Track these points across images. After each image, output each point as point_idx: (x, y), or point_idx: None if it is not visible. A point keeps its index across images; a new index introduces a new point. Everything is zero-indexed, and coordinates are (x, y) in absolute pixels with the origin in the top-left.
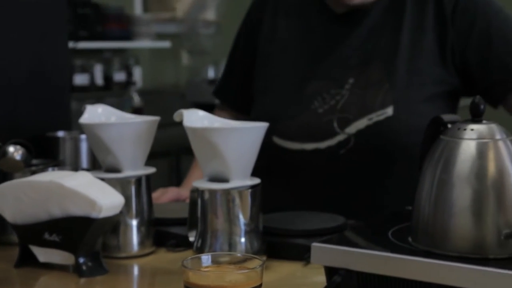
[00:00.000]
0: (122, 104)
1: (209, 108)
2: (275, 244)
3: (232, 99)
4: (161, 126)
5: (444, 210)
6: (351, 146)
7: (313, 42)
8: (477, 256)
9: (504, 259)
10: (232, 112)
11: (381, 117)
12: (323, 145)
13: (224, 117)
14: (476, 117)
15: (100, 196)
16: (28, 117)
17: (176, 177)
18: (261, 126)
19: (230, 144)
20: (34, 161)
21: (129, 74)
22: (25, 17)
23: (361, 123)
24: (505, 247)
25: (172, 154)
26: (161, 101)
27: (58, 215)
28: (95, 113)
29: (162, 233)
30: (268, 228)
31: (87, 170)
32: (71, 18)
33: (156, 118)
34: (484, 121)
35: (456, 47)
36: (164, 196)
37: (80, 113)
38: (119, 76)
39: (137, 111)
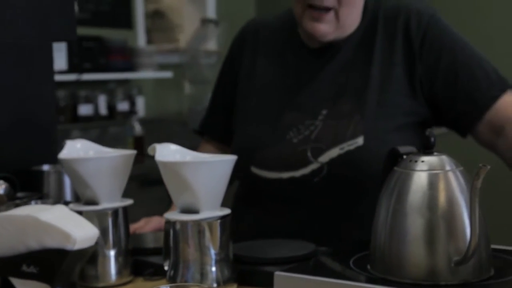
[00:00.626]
0: (124, 133)
1: None
2: (246, 272)
3: (216, 132)
4: None
5: (398, 239)
6: (324, 174)
7: (289, 76)
8: (429, 283)
9: (455, 285)
10: (216, 144)
11: (352, 147)
12: (298, 173)
13: (209, 149)
14: (428, 149)
15: (75, 229)
16: (14, 152)
17: None
18: (229, 160)
19: (200, 177)
20: (19, 194)
21: (132, 103)
22: (15, 59)
23: (333, 152)
24: (456, 274)
25: None
26: (163, 129)
27: (35, 248)
28: (74, 148)
29: (140, 262)
30: (239, 256)
31: (70, 202)
32: (76, 51)
33: (132, 152)
34: (435, 153)
35: (424, 80)
36: (147, 225)
37: None
38: (123, 106)
39: (138, 139)
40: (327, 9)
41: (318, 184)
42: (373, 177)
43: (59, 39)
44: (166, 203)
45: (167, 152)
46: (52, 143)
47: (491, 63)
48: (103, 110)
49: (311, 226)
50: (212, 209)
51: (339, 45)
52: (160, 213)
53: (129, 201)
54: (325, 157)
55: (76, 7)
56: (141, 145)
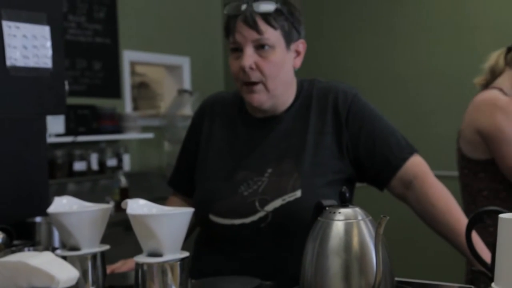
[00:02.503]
0: (112, 185)
1: None
2: None
3: (181, 187)
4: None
5: (321, 275)
6: (269, 221)
7: (240, 142)
8: None
9: None
10: (181, 197)
11: (292, 198)
12: (248, 220)
13: (176, 201)
14: (343, 203)
15: (59, 272)
16: (12, 207)
17: None
18: (187, 212)
19: (163, 227)
20: (16, 242)
21: (120, 160)
22: (14, 130)
23: (277, 203)
24: None
25: None
26: (146, 182)
27: None
28: (61, 203)
29: None
30: None
31: (57, 248)
32: (72, 117)
33: (109, 206)
34: (349, 206)
35: (350, 145)
36: (123, 266)
37: (78, 193)
38: (111, 162)
39: (123, 190)
40: (256, 83)
41: (265, 229)
42: (308, 224)
43: (51, 113)
44: None
45: (136, 206)
46: (44, 199)
47: (400, 132)
48: (94, 166)
49: (258, 264)
50: (173, 252)
51: (280, 117)
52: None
53: (106, 247)
54: (270, 207)
55: (66, 86)
56: (126, 195)
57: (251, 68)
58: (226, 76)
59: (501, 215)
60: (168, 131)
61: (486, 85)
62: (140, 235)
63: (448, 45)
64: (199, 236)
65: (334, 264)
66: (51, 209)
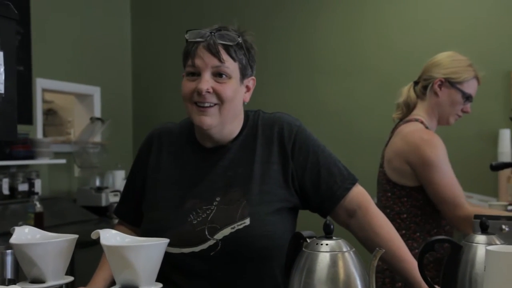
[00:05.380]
0: (26, 209)
1: (95, 209)
2: None
3: (127, 217)
4: (56, 226)
5: None
6: (219, 249)
7: (188, 171)
8: None
9: None
10: (128, 226)
11: (241, 226)
12: (197, 248)
13: (123, 230)
14: (328, 235)
15: None
16: None
17: None
18: (163, 242)
19: (140, 258)
20: None
21: (31, 184)
22: None
23: (226, 231)
24: None
25: None
26: (57, 206)
27: None
28: (23, 233)
29: None
30: None
31: (13, 280)
32: None
33: (75, 236)
34: (334, 238)
35: (295, 175)
36: None
37: None
38: (23, 187)
39: (38, 214)
40: (210, 106)
41: (214, 257)
42: (257, 250)
43: (2, 139)
44: None
45: (109, 235)
46: None
47: (341, 162)
48: (5, 190)
49: None
50: (148, 284)
51: (227, 146)
52: None
53: (70, 278)
54: (219, 235)
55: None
56: (41, 220)
57: (208, 92)
58: (134, 105)
59: (488, 247)
60: (79, 157)
61: (403, 118)
62: (115, 266)
63: (361, 82)
64: None
65: None
66: (14, 240)
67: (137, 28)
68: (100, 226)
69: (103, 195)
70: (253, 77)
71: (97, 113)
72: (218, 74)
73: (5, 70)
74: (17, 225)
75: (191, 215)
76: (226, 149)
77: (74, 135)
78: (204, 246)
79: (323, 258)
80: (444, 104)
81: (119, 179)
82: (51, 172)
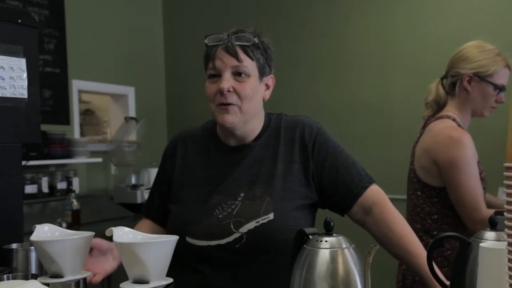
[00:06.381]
0: (63, 207)
1: (131, 206)
2: None
3: (154, 216)
4: (93, 223)
5: None
6: (244, 241)
7: (214, 169)
8: None
9: None
10: (152, 223)
11: (266, 220)
12: (223, 241)
13: (148, 224)
14: (328, 231)
15: None
16: None
17: None
18: (172, 239)
19: (150, 254)
20: None
21: (70, 183)
22: None
23: (251, 225)
24: None
25: None
26: (94, 204)
27: None
28: (43, 231)
29: None
30: None
31: (36, 275)
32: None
33: (91, 234)
34: (334, 234)
35: (315, 174)
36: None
37: (29, 215)
38: (61, 185)
39: (75, 212)
40: (232, 104)
41: (239, 249)
42: (280, 243)
43: (26, 141)
44: None
45: (122, 233)
46: (20, 226)
47: (359, 163)
48: (45, 189)
49: (233, 282)
50: (159, 279)
51: (251, 145)
52: None
53: (87, 273)
54: (244, 228)
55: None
56: (78, 217)
57: (229, 91)
58: (168, 104)
59: (481, 244)
60: (115, 155)
61: (434, 115)
62: (127, 262)
63: (378, 79)
64: (176, 257)
65: None
66: (34, 237)
67: (169, 28)
68: (136, 223)
69: (139, 192)
70: (271, 76)
71: (132, 112)
72: (237, 74)
73: (28, 76)
74: (56, 223)
75: (216, 210)
76: (250, 148)
77: (110, 134)
78: (230, 239)
79: (323, 255)
80: (476, 99)
81: (153, 176)
82: (88, 171)
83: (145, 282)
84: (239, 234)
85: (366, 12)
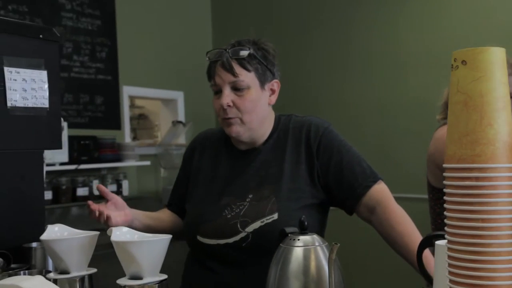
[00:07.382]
0: None
1: None
2: None
3: (175, 208)
4: None
5: None
6: (250, 240)
7: (224, 171)
8: None
9: None
10: (173, 215)
11: (270, 220)
12: (231, 240)
13: (168, 213)
14: (303, 230)
15: None
16: (10, 233)
17: None
18: (165, 238)
19: (143, 252)
20: (13, 265)
21: (119, 185)
22: (14, 163)
23: (256, 224)
24: None
25: None
26: (143, 205)
27: None
28: (53, 231)
29: None
30: None
31: (49, 271)
32: (76, 147)
33: (96, 233)
34: (308, 233)
35: (320, 174)
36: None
37: (80, 216)
38: (111, 188)
39: None
40: (233, 118)
41: (246, 248)
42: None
43: (48, 148)
44: None
45: (120, 233)
46: (41, 226)
47: (366, 161)
48: (96, 191)
49: (241, 279)
50: (152, 276)
51: (259, 149)
52: None
53: (93, 270)
54: (250, 228)
55: (62, 124)
56: None
57: (229, 106)
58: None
59: (437, 242)
60: (163, 158)
61: (444, 119)
62: (123, 259)
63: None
64: (189, 254)
65: (294, 286)
66: (44, 236)
67: (218, 34)
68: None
69: None
70: (276, 80)
71: (181, 116)
72: (236, 88)
73: (49, 86)
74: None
75: (226, 210)
76: (258, 151)
77: (160, 138)
78: (237, 238)
79: (296, 253)
80: None
81: None
82: (138, 173)
83: (140, 278)
84: (245, 234)
85: (415, 8)
